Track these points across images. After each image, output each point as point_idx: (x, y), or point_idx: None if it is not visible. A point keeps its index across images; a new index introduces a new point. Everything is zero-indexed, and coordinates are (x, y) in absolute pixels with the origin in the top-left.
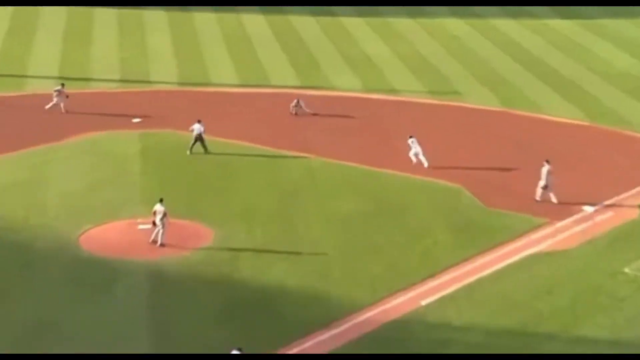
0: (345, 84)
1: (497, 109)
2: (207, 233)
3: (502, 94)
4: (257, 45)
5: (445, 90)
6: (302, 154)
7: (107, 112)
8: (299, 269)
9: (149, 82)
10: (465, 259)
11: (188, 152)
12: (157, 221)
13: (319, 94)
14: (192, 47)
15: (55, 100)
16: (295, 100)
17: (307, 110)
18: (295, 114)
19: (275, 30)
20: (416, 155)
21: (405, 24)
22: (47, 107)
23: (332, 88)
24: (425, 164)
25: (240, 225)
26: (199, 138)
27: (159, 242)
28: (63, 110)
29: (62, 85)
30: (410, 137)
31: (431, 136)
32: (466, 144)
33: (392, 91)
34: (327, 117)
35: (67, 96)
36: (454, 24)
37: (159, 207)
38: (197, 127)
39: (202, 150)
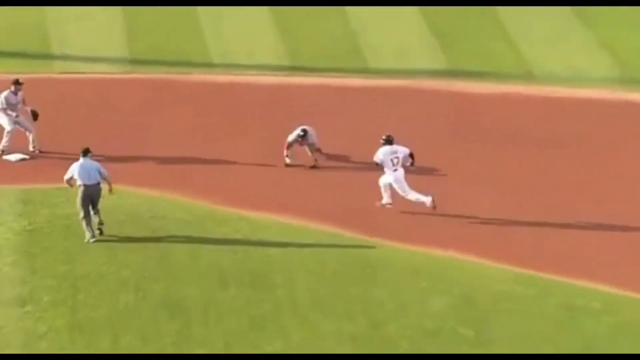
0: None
1: None
2: None
3: None
4: None
5: None
6: (382, 240)
7: None
8: None
9: (47, 56)
10: None
11: (92, 238)
12: None
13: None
14: None
15: (22, 127)
16: (298, 130)
17: (312, 155)
18: (287, 164)
19: None
20: (403, 191)
21: None
22: (10, 159)
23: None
24: (385, 200)
25: None
26: (88, 195)
27: None
28: (32, 147)
29: (18, 83)
30: (388, 139)
31: None
32: None
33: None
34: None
35: (36, 115)
36: None
37: None
38: (81, 171)
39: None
